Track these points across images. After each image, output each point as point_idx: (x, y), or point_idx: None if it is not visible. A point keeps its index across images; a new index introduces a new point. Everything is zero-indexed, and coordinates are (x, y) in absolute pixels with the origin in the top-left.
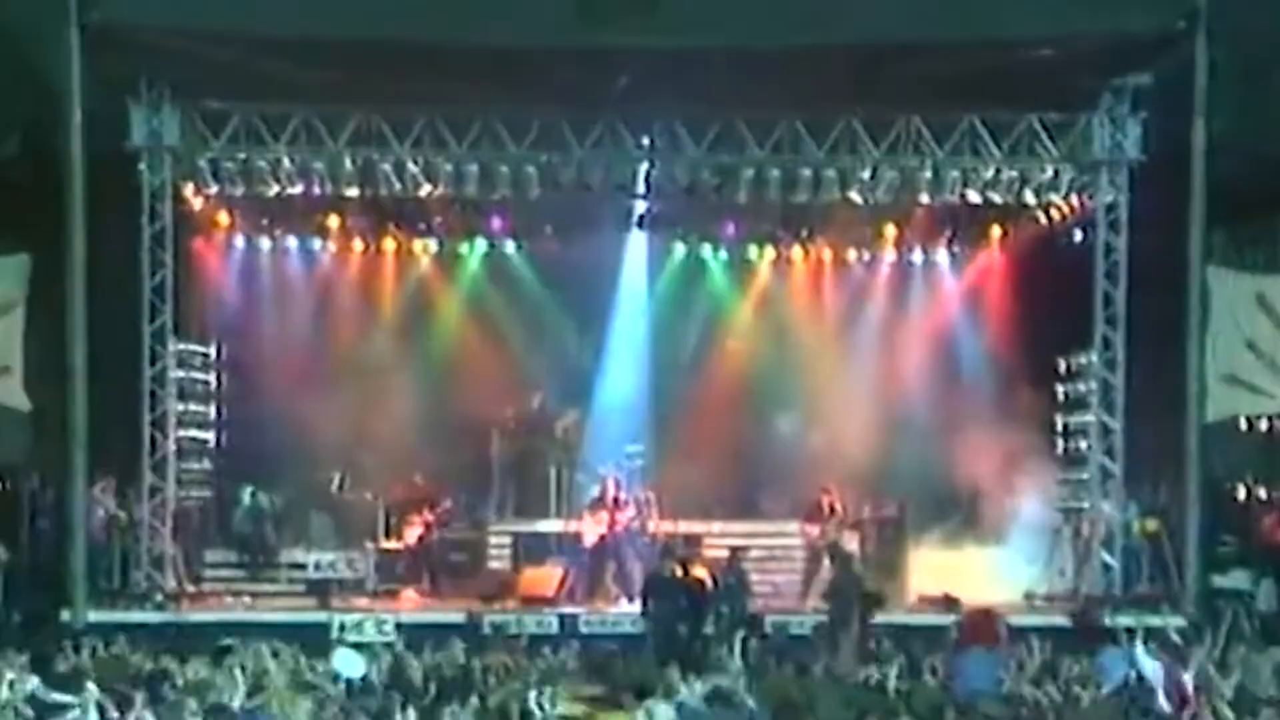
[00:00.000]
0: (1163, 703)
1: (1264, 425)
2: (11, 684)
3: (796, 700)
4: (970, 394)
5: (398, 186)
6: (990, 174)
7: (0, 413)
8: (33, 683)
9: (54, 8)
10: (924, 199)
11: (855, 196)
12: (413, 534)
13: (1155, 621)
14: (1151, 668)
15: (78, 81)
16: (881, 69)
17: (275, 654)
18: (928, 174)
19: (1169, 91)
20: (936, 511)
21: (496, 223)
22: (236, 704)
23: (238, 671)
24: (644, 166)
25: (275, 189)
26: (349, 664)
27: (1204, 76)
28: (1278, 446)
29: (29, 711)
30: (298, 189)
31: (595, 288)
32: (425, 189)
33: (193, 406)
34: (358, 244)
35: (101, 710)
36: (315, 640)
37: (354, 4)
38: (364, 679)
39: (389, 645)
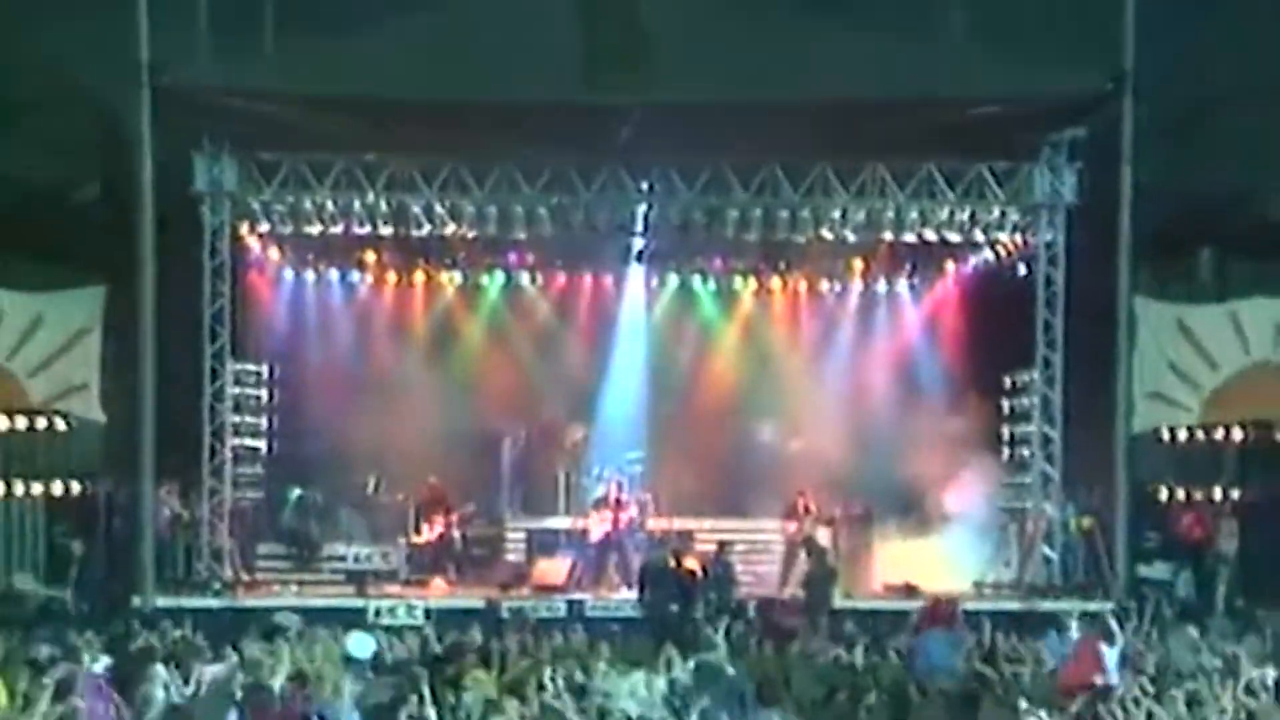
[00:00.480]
0: (1096, 677)
1: (1183, 435)
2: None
3: (775, 676)
4: (927, 407)
5: (426, 226)
6: (945, 215)
7: (79, 424)
8: (105, 661)
9: (128, 73)
10: (887, 236)
11: (827, 234)
12: (438, 530)
13: (1090, 607)
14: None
15: (148, 136)
16: (850, 123)
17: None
18: (890, 214)
19: (1100, 144)
20: (898, 510)
21: (513, 257)
22: (280, 681)
23: (285, 651)
24: (642, 208)
25: (319, 228)
26: (361, 646)
27: (1130, 131)
28: (1194, 454)
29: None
30: (339, 228)
31: (600, 315)
32: (450, 228)
33: (247, 418)
34: (391, 276)
35: (166, 686)
36: (354, 623)
37: (386, 67)
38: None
39: (418, 628)
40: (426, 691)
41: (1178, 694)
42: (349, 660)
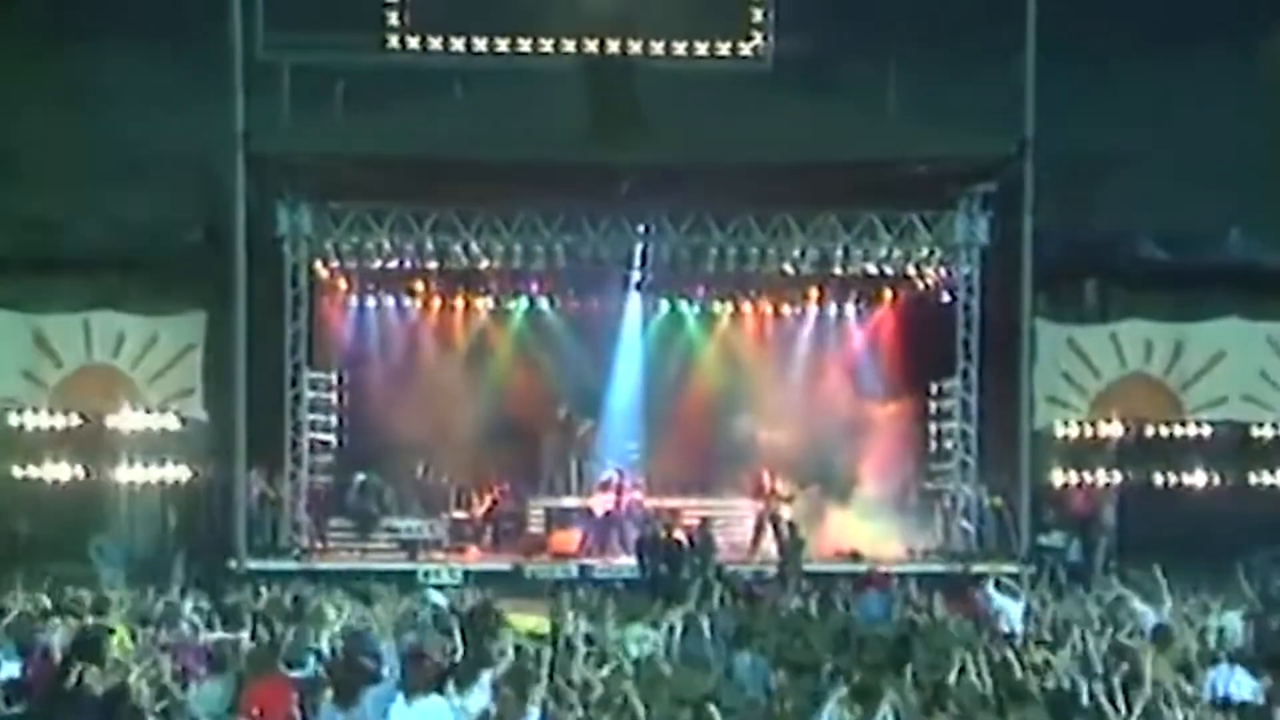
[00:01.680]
0: (1003, 625)
1: (1073, 431)
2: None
3: (746, 624)
4: (870, 408)
5: (464, 261)
6: (883, 253)
7: (187, 422)
8: (200, 611)
9: (227, 140)
10: (837, 271)
11: (788, 268)
12: (476, 508)
13: (1000, 569)
14: (998, 601)
15: (242, 190)
16: (807, 179)
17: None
18: (839, 253)
19: (1006, 196)
20: (846, 490)
21: (534, 286)
22: (338, 627)
23: (347, 605)
24: (639, 246)
25: (379, 263)
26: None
27: (1030, 186)
28: (1082, 446)
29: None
30: (394, 263)
31: (605, 333)
32: (484, 262)
33: (320, 417)
34: (436, 301)
35: (255, 633)
36: (406, 583)
37: (431, 133)
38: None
39: (458, 587)
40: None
41: (1070, 639)
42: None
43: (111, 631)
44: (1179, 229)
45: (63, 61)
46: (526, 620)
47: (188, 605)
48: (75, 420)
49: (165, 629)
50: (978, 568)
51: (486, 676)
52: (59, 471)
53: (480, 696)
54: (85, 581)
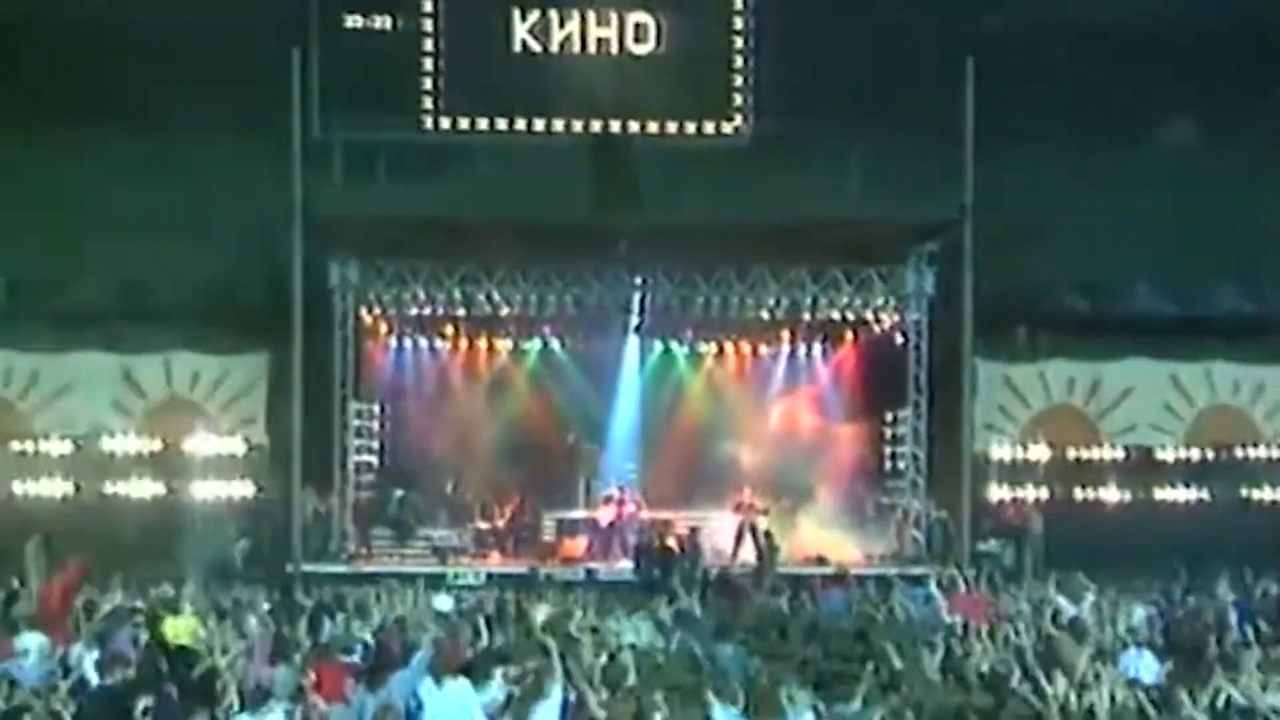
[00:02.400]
0: (947, 619)
1: (1007, 454)
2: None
3: (728, 619)
4: (834, 433)
5: (488, 308)
6: (845, 301)
7: (252, 447)
8: (264, 607)
9: (287, 205)
10: (805, 316)
11: (764, 314)
12: (497, 520)
13: (944, 572)
14: (940, 599)
15: (299, 248)
16: (780, 238)
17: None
18: (808, 301)
19: (950, 253)
20: (813, 503)
21: (547, 329)
22: (375, 621)
23: (385, 600)
24: (637, 296)
25: (415, 310)
26: (443, 603)
27: (970, 245)
28: (1014, 467)
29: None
30: (427, 310)
31: (607, 370)
32: (504, 310)
33: (364, 441)
34: (463, 343)
35: (310, 626)
36: (436, 584)
37: (459, 199)
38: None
39: (480, 587)
40: (486, 628)
41: (1004, 630)
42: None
43: (176, 612)
44: (1095, 283)
45: (152, 141)
46: (547, 615)
47: (254, 602)
48: (157, 445)
49: (235, 622)
50: (924, 570)
51: (499, 671)
52: (144, 488)
53: (496, 686)
54: (168, 582)
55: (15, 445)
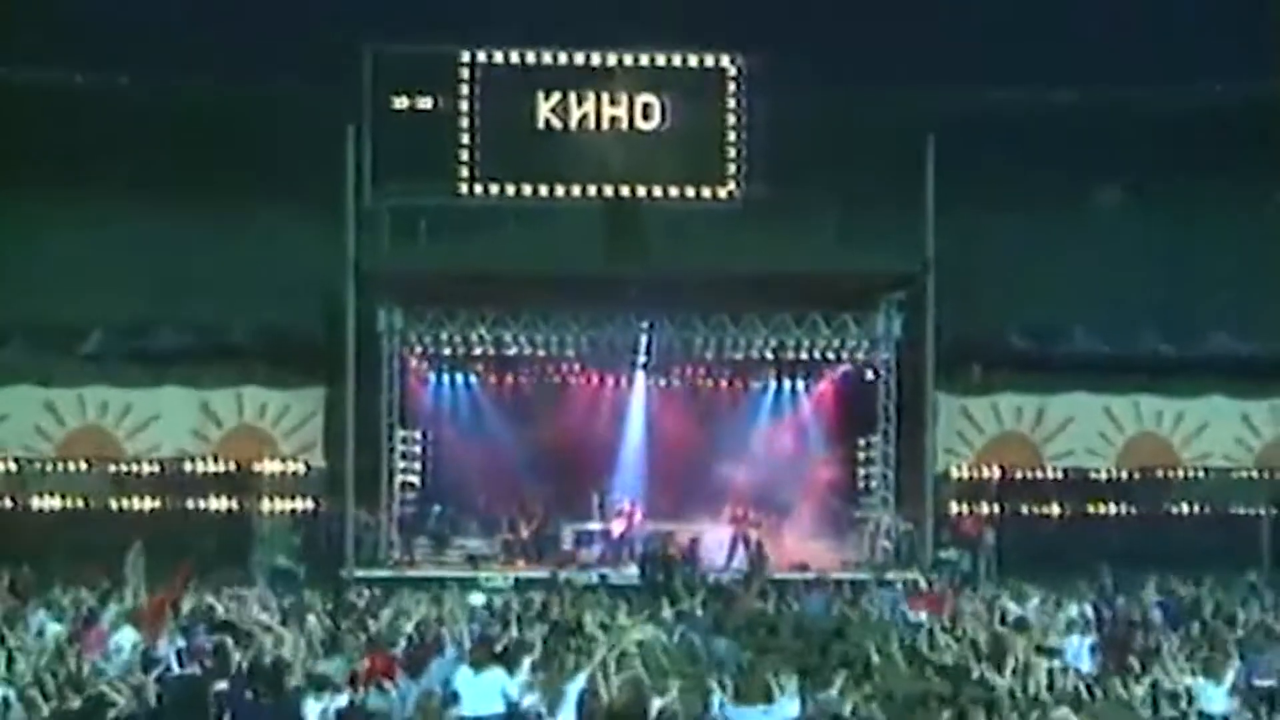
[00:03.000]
0: (912, 618)
1: (965, 474)
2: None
3: (722, 618)
4: (814, 456)
5: (514, 349)
6: (824, 343)
7: (311, 468)
8: (321, 606)
9: (341, 261)
10: (790, 356)
11: (754, 354)
12: (523, 531)
13: (910, 577)
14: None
15: (352, 298)
16: (767, 287)
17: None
18: (792, 343)
19: (915, 301)
20: (796, 517)
21: (565, 367)
22: (416, 618)
23: (425, 601)
24: (644, 338)
25: (450, 350)
26: (476, 599)
27: (932, 294)
28: (970, 485)
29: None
30: (462, 350)
31: (618, 401)
32: (529, 350)
33: (407, 464)
34: (493, 378)
35: (362, 622)
36: (469, 587)
37: (489, 255)
38: (493, 607)
39: (507, 590)
40: (514, 625)
41: (961, 627)
42: (471, 609)
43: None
44: (1040, 327)
45: (227, 207)
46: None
47: (313, 602)
48: (231, 466)
49: (296, 620)
50: (893, 575)
51: (527, 660)
52: (219, 504)
53: (524, 672)
54: (239, 585)
55: (112, 467)
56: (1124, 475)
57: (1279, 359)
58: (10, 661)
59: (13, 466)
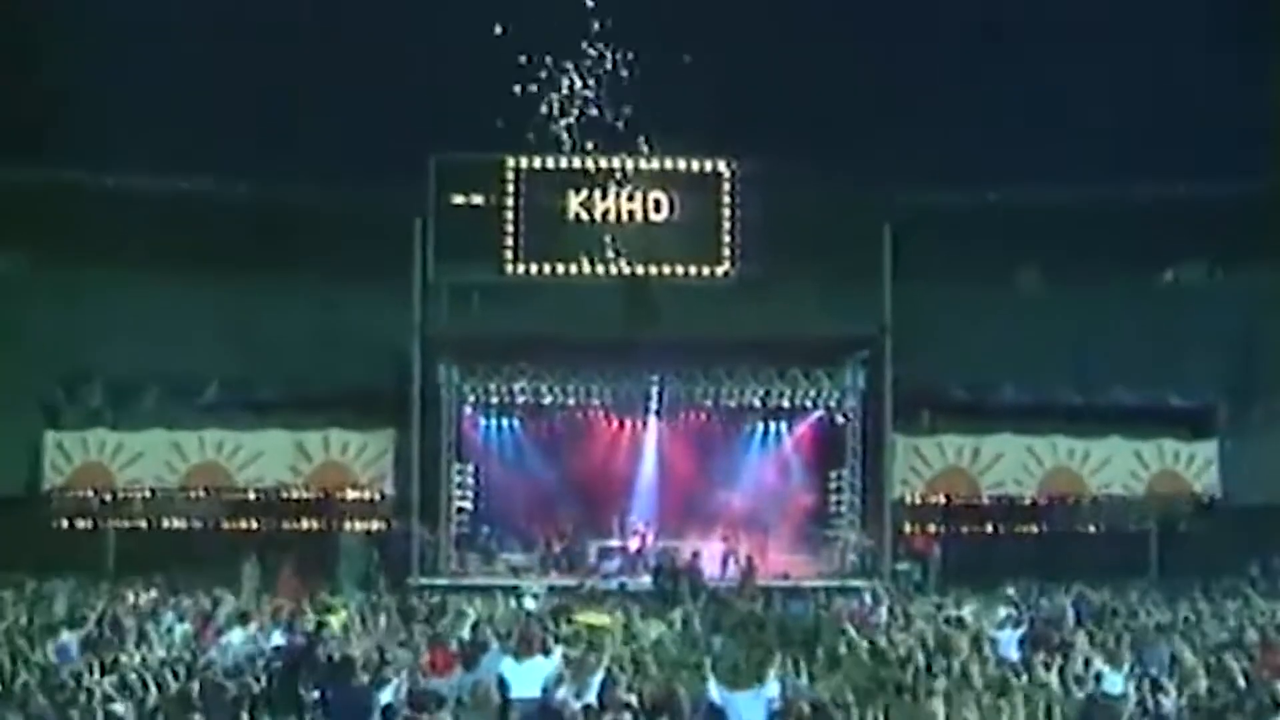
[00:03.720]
0: (873, 620)
1: (917, 500)
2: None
3: (720, 619)
4: (794, 485)
5: (549, 398)
6: (802, 393)
7: (384, 496)
8: (392, 609)
9: (409, 329)
10: (774, 403)
11: (745, 402)
12: (556, 547)
13: (872, 586)
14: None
15: (418, 358)
16: (756, 349)
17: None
18: (776, 393)
19: (875, 359)
20: (779, 536)
21: (591, 413)
22: (471, 620)
23: (477, 605)
24: (655, 389)
25: (498, 400)
26: (531, 602)
27: (889, 352)
28: (921, 510)
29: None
30: (507, 400)
31: (635, 441)
32: (560, 399)
33: (462, 492)
34: (532, 423)
35: (426, 621)
36: (512, 593)
37: (527, 323)
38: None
39: (543, 596)
40: (550, 625)
41: (914, 626)
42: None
43: (331, 611)
44: (976, 382)
45: (317, 283)
46: (589, 616)
47: (386, 605)
48: (319, 494)
49: (373, 619)
50: (858, 584)
51: (559, 652)
52: (310, 525)
53: (558, 663)
54: (326, 591)
55: (225, 495)
56: (1043, 501)
57: (1163, 408)
58: (149, 651)
59: (147, 494)
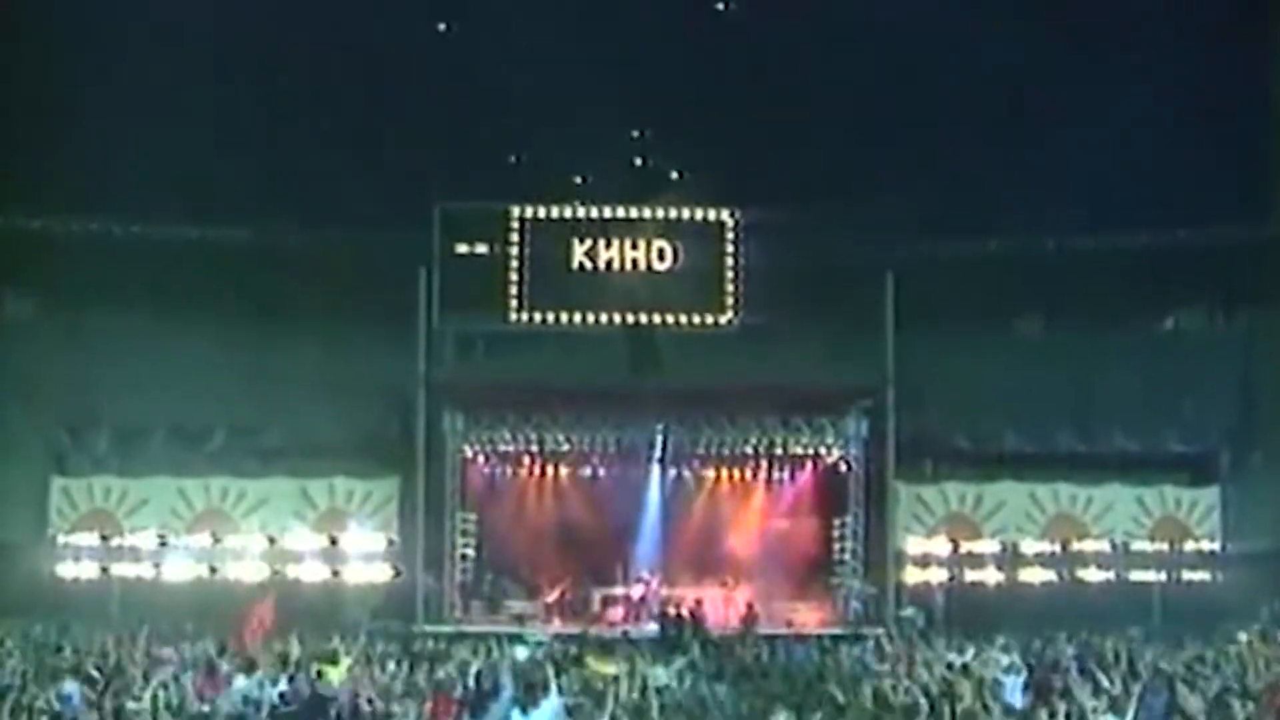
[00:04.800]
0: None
1: (919, 548)
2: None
3: (722, 664)
4: (797, 532)
5: (553, 445)
6: (806, 441)
7: (389, 543)
8: (396, 656)
9: (414, 376)
10: (778, 451)
11: (749, 450)
12: (560, 595)
13: (875, 632)
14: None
15: (422, 405)
16: (760, 397)
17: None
18: (780, 441)
19: (877, 408)
20: (783, 583)
21: (595, 461)
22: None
23: (480, 652)
24: (659, 437)
25: (502, 447)
26: (521, 653)
27: (892, 401)
28: (923, 556)
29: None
30: (510, 448)
31: (638, 489)
32: (565, 447)
33: (466, 539)
34: (536, 470)
35: (429, 669)
36: (515, 641)
37: (529, 372)
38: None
39: (546, 643)
40: (551, 672)
41: (916, 673)
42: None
43: (334, 664)
44: (976, 430)
45: (323, 332)
46: (595, 663)
47: (389, 652)
48: (325, 541)
49: (377, 667)
50: (862, 631)
51: (562, 701)
52: (315, 572)
53: (562, 709)
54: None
55: (228, 542)
56: (1045, 547)
57: (1165, 454)
58: (154, 699)
59: (154, 542)
